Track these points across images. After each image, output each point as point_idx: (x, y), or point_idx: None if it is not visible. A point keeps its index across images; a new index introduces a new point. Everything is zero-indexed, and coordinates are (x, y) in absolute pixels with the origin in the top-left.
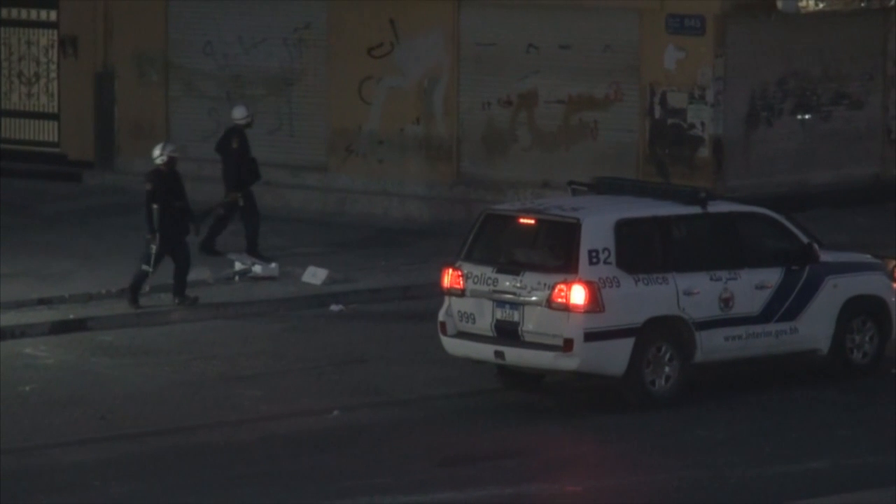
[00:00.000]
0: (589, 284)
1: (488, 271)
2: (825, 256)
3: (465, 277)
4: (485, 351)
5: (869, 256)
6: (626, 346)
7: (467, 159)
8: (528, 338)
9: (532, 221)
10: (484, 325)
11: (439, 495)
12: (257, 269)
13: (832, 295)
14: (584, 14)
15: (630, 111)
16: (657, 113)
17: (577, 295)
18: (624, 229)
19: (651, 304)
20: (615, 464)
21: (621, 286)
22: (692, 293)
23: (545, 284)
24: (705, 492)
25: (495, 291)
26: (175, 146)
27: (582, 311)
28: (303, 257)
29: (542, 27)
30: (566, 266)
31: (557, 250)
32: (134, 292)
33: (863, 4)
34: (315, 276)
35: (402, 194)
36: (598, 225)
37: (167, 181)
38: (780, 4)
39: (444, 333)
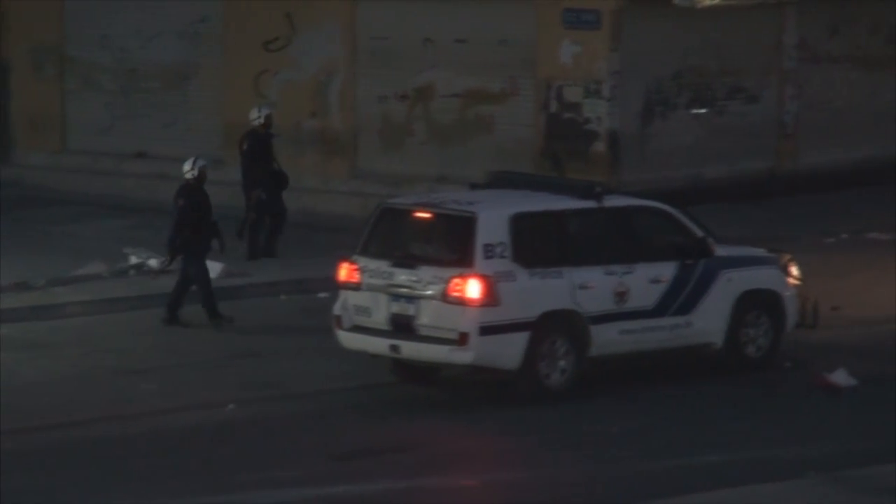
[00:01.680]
0: (484, 278)
1: (384, 265)
2: (720, 251)
3: (361, 271)
4: (380, 345)
5: (763, 251)
6: (520, 339)
7: (363, 153)
8: (423, 332)
9: (428, 215)
10: (379, 318)
11: (333, 489)
12: (152, 262)
13: (726, 289)
14: (481, 8)
15: (526, 105)
16: (553, 107)
17: (473, 289)
18: (520, 223)
19: (546, 298)
20: (509, 458)
21: (517, 280)
22: (587, 287)
23: (441, 278)
24: (599, 486)
25: (391, 285)
26: (205, 161)
27: (477, 305)
28: None
29: (438, 21)
30: (462, 260)
31: (453, 244)
32: (172, 311)
33: None
34: (210, 269)
35: (298, 188)
36: (493, 219)
37: (198, 196)
38: None
39: (340, 327)
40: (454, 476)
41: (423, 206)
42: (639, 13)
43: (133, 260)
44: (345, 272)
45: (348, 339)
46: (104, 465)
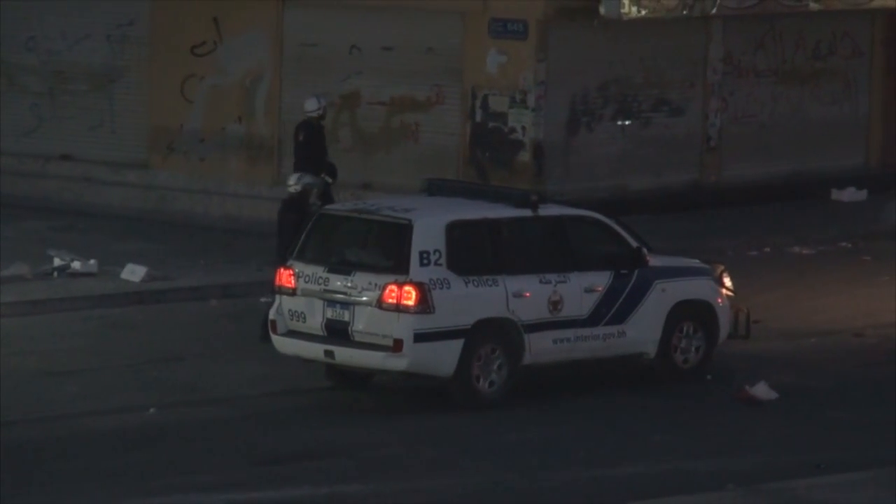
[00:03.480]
0: (419, 286)
1: (319, 270)
2: (654, 261)
3: (297, 276)
4: (315, 350)
5: (697, 261)
6: (455, 347)
7: (288, 159)
8: (358, 337)
9: (364, 222)
10: (314, 324)
11: (255, 494)
12: (76, 265)
13: (660, 299)
14: (408, 16)
15: (451, 114)
16: (478, 116)
17: (408, 296)
18: (455, 231)
19: (481, 306)
20: (431, 465)
21: (451, 288)
22: (521, 295)
23: (376, 285)
24: (518, 495)
25: (326, 291)
26: (312, 179)
27: (412, 311)
28: (122, 254)
29: (365, 28)
30: (397, 267)
31: (389, 251)
32: (266, 328)
33: (684, 12)
34: (134, 273)
35: (223, 193)
36: (429, 226)
37: (304, 209)
38: (602, 10)
39: (275, 332)
40: (375, 482)
41: (360, 213)
42: (565, 24)
43: (57, 262)
44: (280, 277)
45: (283, 344)
46: (24, 468)
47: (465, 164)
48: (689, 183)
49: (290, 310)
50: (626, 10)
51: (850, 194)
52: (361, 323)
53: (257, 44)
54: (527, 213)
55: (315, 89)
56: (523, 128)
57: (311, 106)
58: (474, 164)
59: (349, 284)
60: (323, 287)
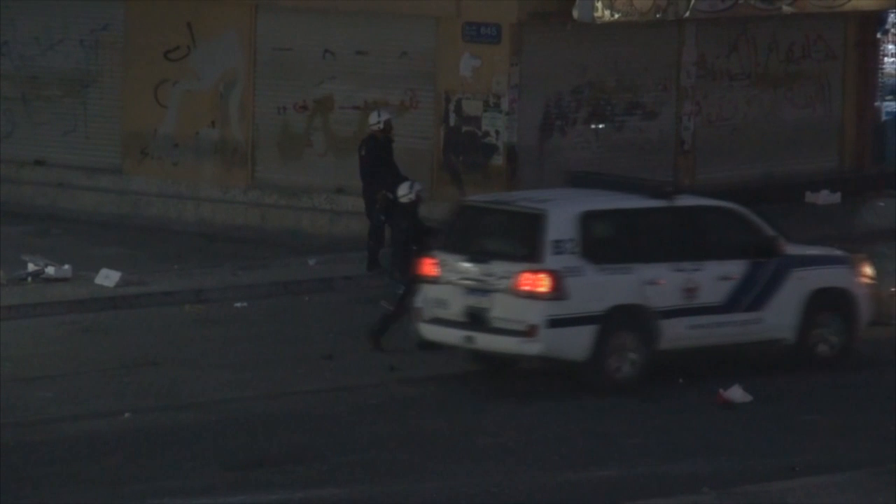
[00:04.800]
0: (552, 273)
1: (460, 259)
2: (792, 249)
3: (439, 265)
4: (456, 336)
5: (837, 250)
6: (589, 332)
7: (262, 164)
8: (495, 324)
9: (502, 212)
10: (455, 311)
11: (229, 499)
12: (50, 270)
13: (798, 287)
14: (382, 20)
15: (425, 118)
16: (452, 120)
17: (541, 283)
18: (589, 221)
19: (614, 293)
20: (404, 469)
21: (585, 275)
22: (655, 283)
23: (512, 273)
24: (492, 499)
25: (466, 279)
26: (422, 185)
27: (545, 298)
28: (96, 259)
29: (339, 33)
30: (532, 255)
31: (524, 240)
32: (378, 334)
33: (658, 16)
34: (108, 278)
35: (197, 198)
36: (563, 216)
37: (415, 217)
38: (576, 14)
39: (420, 319)
40: (348, 487)
41: (498, 204)
42: (539, 28)
43: (31, 267)
44: (425, 266)
45: (427, 331)
46: None
47: (439, 168)
48: None
49: (433, 298)
50: (599, 13)
51: (824, 197)
52: (498, 309)
53: (231, 48)
54: (662, 203)
55: (289, 93)
56: (497, 132)
57: (371, 120)
58: (448, 168)
59: (487, 272)
60: (463, 275)
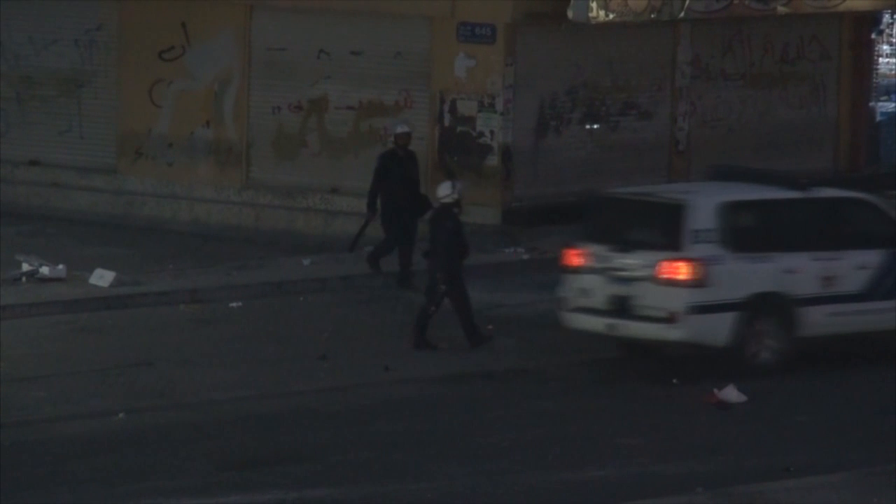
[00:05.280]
0: (694, 261)
1: (603, 250)
2: None
3: (583, 256)
4: (599, 324)
5: None
6: (728, 319)
7: (256, 164)
8: (637, 311)
9: (644, 203)
10: (599, 299)
11: (223, 499)
12: (44, 270)
13: None
14: (376, 21)
15: (420, 118)
16: (447, 120)
17: (682, 271)
18: (728, 210)
19: (753, 281)
20: (399, 469)
21: (725, 263)
22: (794, 271)
23: (654, 261)
24: (487, 499)
25: (609, 268)
26: (462, 184)
27: (686, 286)
28: (90, 259)
29: (333, 33)
30: (673, 244)
31: (665, 230)
32: (420, 332)
33: (653, 16)
34: (102, 278)
35: (191, 198)
36: (702, 207)
37: (456, 219)
38: (570, 14)
39: (565, 308)
40: (343, 487)
41: (640, 195)
42: (533, 28)
43: (25, 267)
44: (569, 257)
45: (571, 320)
46: None
47: (434, 168)
48: None
49: (577, 287)
50: (594, 13)
51: None
52: (640, 297)
53: (225, 48)
54: (799, 194)
55: (283, 93)
56: (491, 132)
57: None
58: (443, 168)
59: (630, 262)
60: (606, 265)
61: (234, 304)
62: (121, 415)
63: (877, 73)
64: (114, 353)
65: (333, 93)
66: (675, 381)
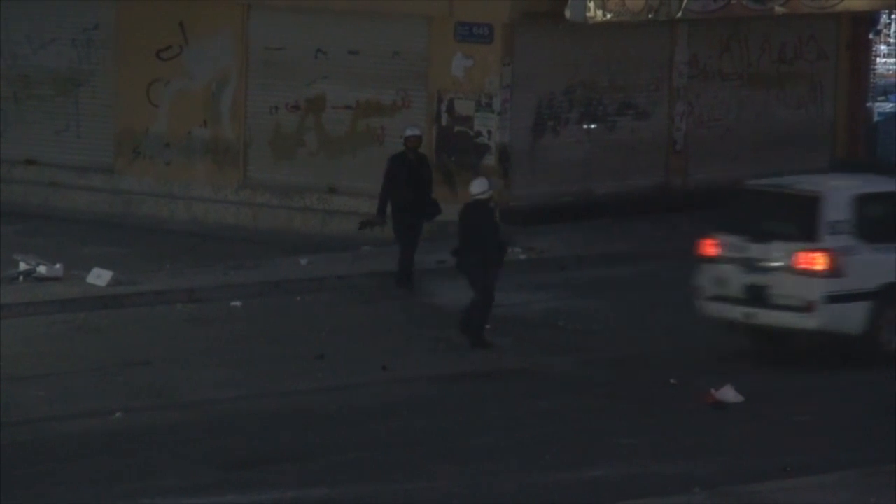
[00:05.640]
0: (830, 252)
1: (740, 240)
2: None
3: (720, 246)
4: (736, 312)
5: None
6: (863, 308)
7: (254, 163)
8: (774, 300)
9: (780, 195)
10: (736, 288)
11: (220, 498)
12: (42, 269)
13: None
14: (374, 20)
15: (417, 118)
16: (444, 120)
17: (818, 261)
18: (863, 202)
19: (888, 271)
20: (396, 469)
21: (860, 254)
22: None
23: (790, 252)
24: (483, 499)
25: (746, 258)
26: (494, 182)
27: (822, 276)
28: (88, 259)
29: (331, 32)
30: (809, 235)
31: (801, 221)
32: (479, 330)
33: (650, 16)
34: (100, 277)
35: (189, 197)
36: (838, 198)
37: (494, 215)
38: (568, 14)
39: (701, 297)
40: (341, 486)
41: (776, 187)
42: (531, 28)
43: (22, 266)
44: (706, 247)
45: (708, 308)
46: None
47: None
48: (655, 186)
49: (713, 277)
50: (591, 13)
51: None
52: (777, 287)
53: (223, 48)
54: None
55: (281, 93)
56: (489, 131)
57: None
58: (440, 167)
59: (767, 252)
60: (743, 255)
61: (234, 304)
62: (118, 414)
63: (874, 74)
64: (111, 353)
65: (331, 92)
66: (672, 381)
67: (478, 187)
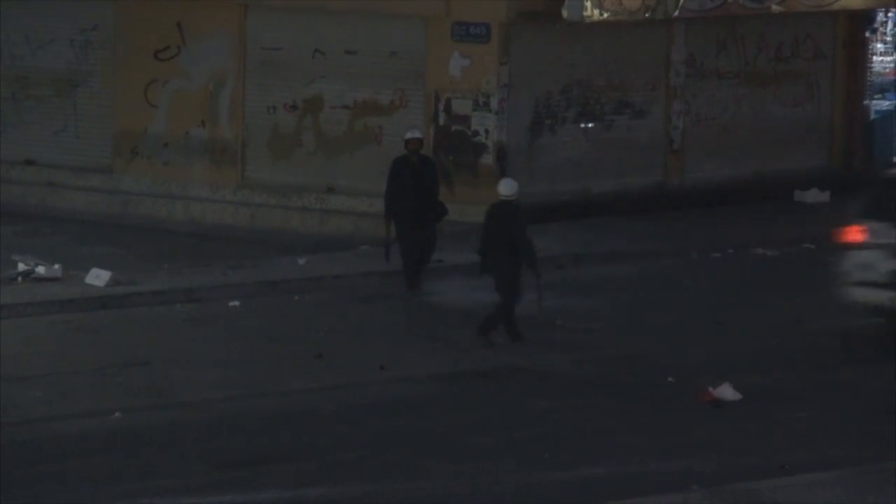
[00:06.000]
0: None
1: (886, 227)
2: None
3: (865, 232)
4: (883, 297)
5: None
6: None
7: (252, 163)
8: None
9: None
10: (881, 274)
11: (219, 498)
12: (40, 269)
13: None
14: (371, 20)
15: (415, 117)
16: (442, 119)
17: None
18: None
19: None
20: (394, 468)
21: None
22: None
23: None
24: (482, 498)
25: (891, 244)
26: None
27: None
28: (86, 259)
29: (328, 32)
30: None
31: None
32: (513, 325)
33: (647, 15)
34: (98, 277)
35: (187, 197)
36: None
37: (524, 215)
38: (565, 13)
39: (845, 283)
40: (339, 486)
41: None
42: (528, 27)
43: (21, 267)
44: (851, 234)
45: (853, 294)
46: None
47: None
48: (652, 185)
49: (859, 262)
50: (588, 12)
51: (813, 195)
52: None
53: (220, 48)
54: None
55: (278, 93)
56: (486, 131)
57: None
58: (437, 166)
59: None
60: (890, 240)
61: (232, 304)
62: (117, 414)
63: (871, 72)
64: (110, 353)
65: (328, 92)
66: (670, 379)
67: (508, 188)
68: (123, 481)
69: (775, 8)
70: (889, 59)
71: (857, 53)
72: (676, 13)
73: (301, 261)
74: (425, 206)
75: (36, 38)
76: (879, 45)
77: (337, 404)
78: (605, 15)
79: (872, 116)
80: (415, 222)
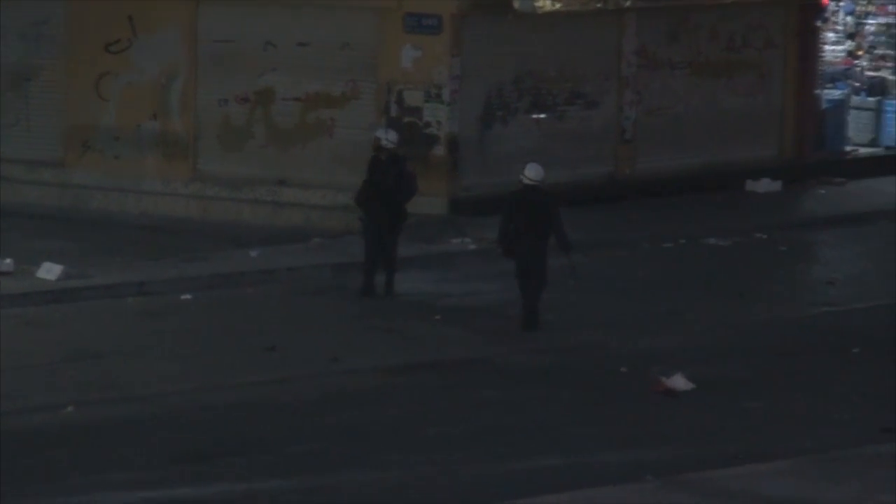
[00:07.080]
0: None
1: None
2: None
3: None
4: None
5: None
6: None
7: (204, 156)
8: None
9: None
10: None
11: (173, 491)
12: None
13: None
14: (323, 12)
15: (367, 109)
16: (393, 111)
17: None
18: None
19: None
20: (348, 460)
21: None
22: None
23: None
24: (436, 489)
25: None
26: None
27: None
28: (38, 253)
29: (280, 24)
30: None
31: None
32: (534, 313)
33: (598, 5)
34: (50, 271)
35: (139, 191)
36: None
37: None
38: (516, 4)
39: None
40: (294, 478)
41: None
42: (479, 18)
43: None
44: None
45: None
46: None
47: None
48: (605, 175)
49: None
50: (540, 3)
51: (764, 185)
52: None
53: (172, 41)
54: None
55: (230, 86)
56: (438, 122)
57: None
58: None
59: None
60: None
61: (185, 297)
62: (70, 408)
63: (822, 61)
64: (62, 347)
65: (280, 84)
66: (623, 369)
67: (535, 173)
68: (77, 476)
69: None
70: (840, 48)
71: (809, 43)
72: (628, 3)
73: (253, 253)
74: (388, 205)
75: None
76: (831, 35)
77: (290, 397)
78: (557, 5)
79: (824, 106)
80: (379, 220)
